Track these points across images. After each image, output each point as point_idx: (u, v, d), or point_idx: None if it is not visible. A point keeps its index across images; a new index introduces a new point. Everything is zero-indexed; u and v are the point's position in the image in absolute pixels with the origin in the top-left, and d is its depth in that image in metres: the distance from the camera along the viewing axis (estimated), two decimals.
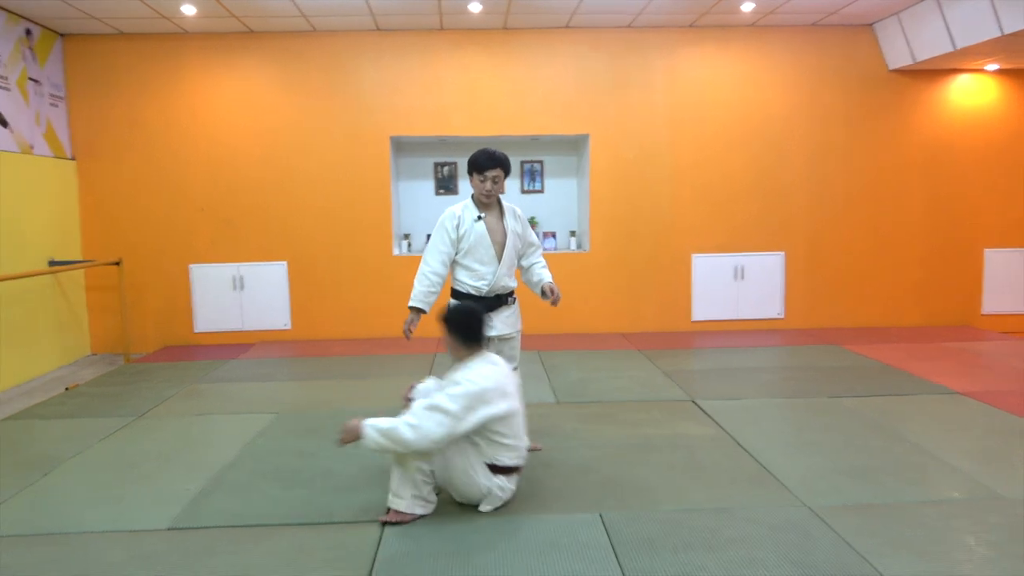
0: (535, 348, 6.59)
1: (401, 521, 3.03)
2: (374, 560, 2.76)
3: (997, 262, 7.52)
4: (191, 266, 7.17)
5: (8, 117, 5.99)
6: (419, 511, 3.05)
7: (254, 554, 2.82)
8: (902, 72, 7.29)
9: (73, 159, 6.97)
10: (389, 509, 3.07)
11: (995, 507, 3.12)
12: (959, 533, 2.91)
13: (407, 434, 2.86)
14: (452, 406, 2.90)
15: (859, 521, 3.01)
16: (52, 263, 6.42)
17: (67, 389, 5.58)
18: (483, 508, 3.13)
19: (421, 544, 2.88)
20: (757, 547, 2.81)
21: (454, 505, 3.20)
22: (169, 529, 3.07)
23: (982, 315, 7.56)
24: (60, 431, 4.47)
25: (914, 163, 7.40)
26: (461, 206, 3.75)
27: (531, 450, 3.70)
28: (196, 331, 7.24)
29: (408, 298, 3.75)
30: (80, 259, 6.91)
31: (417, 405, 2.97)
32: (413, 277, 3.78)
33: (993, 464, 3.60)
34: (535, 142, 7.64)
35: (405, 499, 3.03)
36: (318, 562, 2.75)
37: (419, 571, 2.67)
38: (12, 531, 3.08)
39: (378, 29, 6.99)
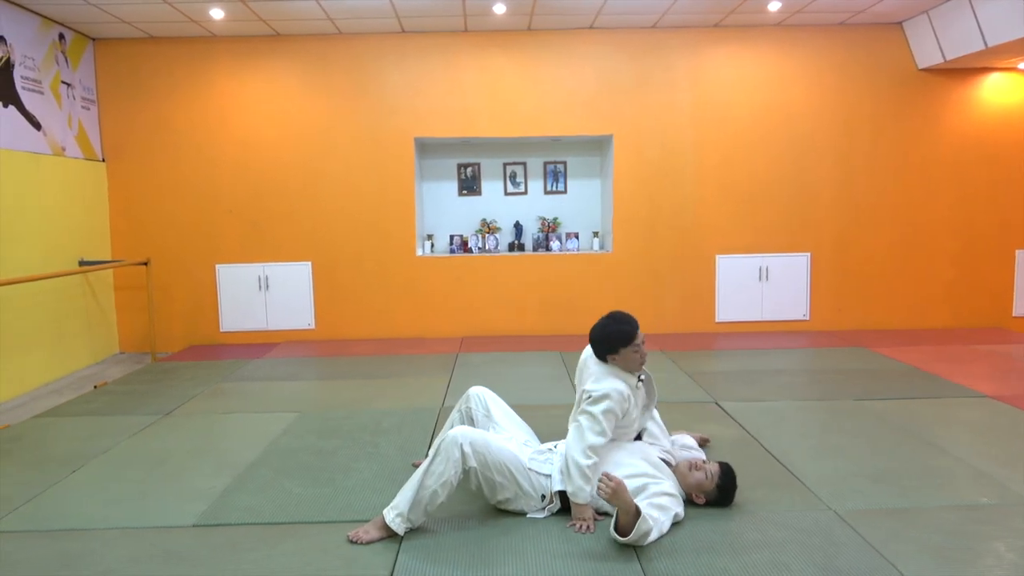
0: (557, 349, 6.58)
1: (380, 539, 2.90)
2: (396, 558, 2.77)
3: None
4: (218, 266, 7.25)
5: (41, 120, 6.11)
6: (400, 531, 2.91)
7: (278, 551, 2.85)
8: (932, 71, 7.18)
9: (103, 161, 7.09)
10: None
11: None
12: (988, 539, 2.86)
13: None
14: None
15: (885, 525, 2.96)
16: (82, 263, 6.54)
17: (95, 387, 5.68)
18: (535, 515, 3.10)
19: (441, 542, 2.89)
20: (781, 550, 2.78)
21: (473, 505, 3.21)
22: (195, 526, 3.11)
23: (1013, 317, 7.42)
24: (88, 428, 4.54)
25: (944, 162, 7.28)
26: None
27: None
28: (222, 330, 7.32)
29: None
30: (109, 259, 7.03)
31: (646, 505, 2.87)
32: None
33: (1022, 468, 3.53)
34: (558, 143, 7.63)
35: (402, 516, 2.91)
36: (340, 560, 2.77)
37: (441, 572, 2.68)
38: (40, 527, 3.14)
39: (403, 31, 7.03)
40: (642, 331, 3.18)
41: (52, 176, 6.23)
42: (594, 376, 3.16)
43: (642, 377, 3.22)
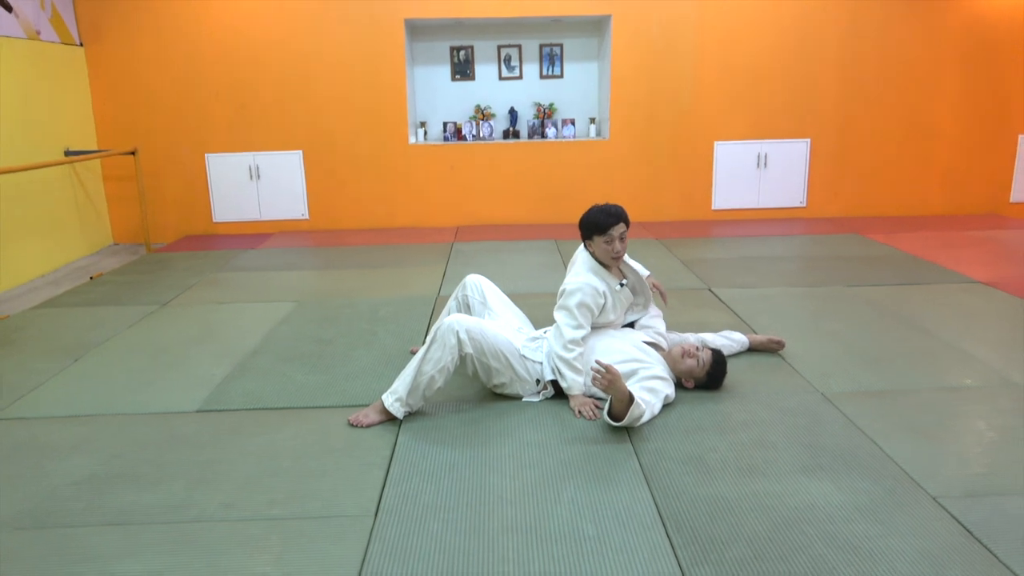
0: (552, 237, 6.58)
1: (379, 422, 2.98)
2: (396, 440, 2.86)
3: None
4: (208, 155, 7.11)
5: (12, 1, 5.82)
6: (399, 415, 2.98)
7: (281, 434, 2.93)
8: None
9: (81, 45, 6.81)
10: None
11: (1007, 393, 3.15)
12: (969, 418, 2.95)
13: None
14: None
15: (871, 406, 3.05)
16: (68, 153, 6.40)
17: (92, 278, 5.69)
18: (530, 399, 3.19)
19: (439, 424, 2.98)
20: (768, 430, 2.87)
21: (470, 389, 3.28)
22: (198, 411, 3.18)
23: (1010, 203, 7.39)
24: (87, 319, 4.58)
25: (952, 46, 7.04)
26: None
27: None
28: (215, 221, 7.27)
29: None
30: (96, 149, 6.88)
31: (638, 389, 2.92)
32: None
33: (1009, 352, 3.61)
34: (554, 24, 7.34)
35: (401, 400, 2.97)
36: (342, 442, 2.86)
37: (439, 451, 2.77)
38: (48, 413, 3.21)
39: None
40: (633, 223, 3.14)
41: (28, 62, 5.99)
42: (573, 271, 3.23)
43: (623, 282, 3.23)
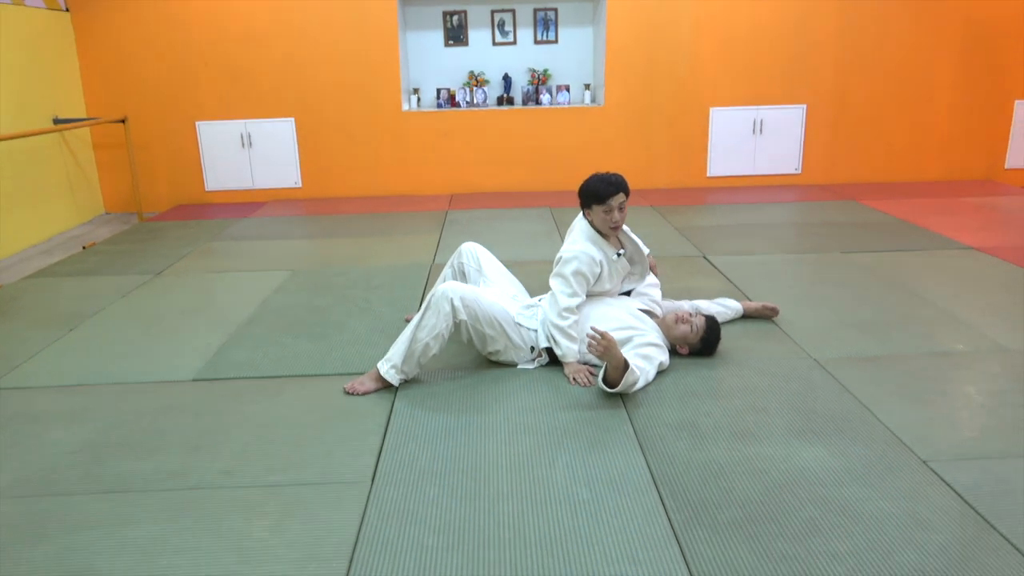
0: (546, 204, 6.55)
1: (375, 390, 2.99)
2: (392, 407, 2.88)
3: None
4: (198, 123, 7.04)
5: None
6: (395, 382, 3.00)
7: (278, 402, 2.95)
8: None
9: (67, 11, 6.69)
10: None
11: (998, 358, 3.18)
12: (960, 383, 2.98)
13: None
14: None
15: (863, 372, 3.08)
16: (57, 121, 6.33)
17: (84, 248, 5.66)
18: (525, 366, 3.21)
19: (435, 391, 3.00)
20: (761, 396, 2.90)
21: (465, 357, 3.30)
22: (195, 380, 3.19)
23: (1006, 169, 7.38)
24: (81, 288, 4.57)
25: (949, 12, 6.94)
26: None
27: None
28: (207, 189, 7.22)
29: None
30: (85, 117, 6.80)
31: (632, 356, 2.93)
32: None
33: (1000, 317, 3.63)
34: None
35: (396, 368, 2.98)
36: (338, 409, 2.88)
37: (435, 418, 2.79)
38: (44, 382, 3.22)
39: None
40: (632, 191, 3.13)
41: (12, 28, 5.89)
42: (570, 239, 3.23)
43: (620, 252, 3.22)
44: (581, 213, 3.24)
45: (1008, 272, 4.35)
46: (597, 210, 3.10)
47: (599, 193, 3.07)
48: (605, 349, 2.72)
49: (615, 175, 3.10)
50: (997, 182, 7.27)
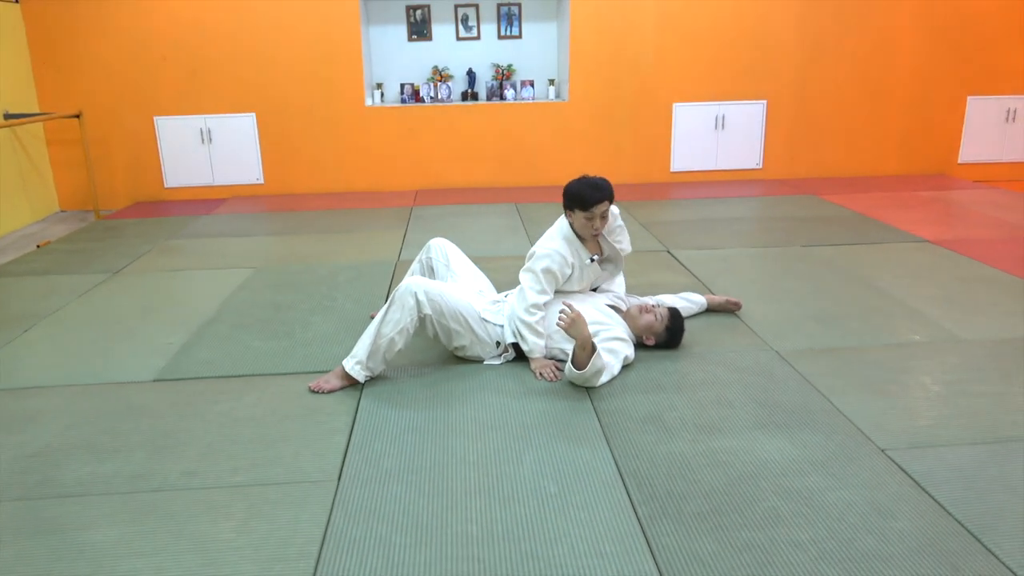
0: (512, 200, 6.55)
1: (341, 387, 2.97)
2: (358, 404, 2.86)
3: (978, 109, 7.43)
4: (156, 118, 6.90)
5: None
6: (360, 378, 2.98)
7: (241, 402, 2.90)
8: None
9: (17, 2, 6.51)
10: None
11: (954, 349, 3.26)
12: (917, 373, 3.05)
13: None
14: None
15: (823, 363, 3.13)
16: (7, 116, 6.15)
17: (39, 246, 5.51)
18: (492, 362, 3.21)
19: (401, 387, 2.98)
20: (725, 388, 2.93)
21: (431, 352, 3.29)
22: (155, 381, 3.13)
23: (958, 164, 7.57)
24: (36, 288, 4.45)
25: (907, 10, 7.09)
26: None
27: None
28: (166, 186, 7.09)
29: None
30: (37, 112, 6.62)
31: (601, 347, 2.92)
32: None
33: (956, 309, 3.73)
34: None
35: (361, 364, 2.96)
36: (303, 408, 2.85)
37: (401, 415, 2.78)
38: None
39: None
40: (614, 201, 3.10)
41: None
42: (547, 235, 3.22)
43: (594, 257, 3.22)
44: (561, 219, 3.22)
45: (962, 264, 4.47)
46: (579, 214, 3.07)
47: (584, 198, 3.02)
48: (571, 322, 2.75)
49: (602, 180, 3.06)
50: (950, 176, 7.45)
